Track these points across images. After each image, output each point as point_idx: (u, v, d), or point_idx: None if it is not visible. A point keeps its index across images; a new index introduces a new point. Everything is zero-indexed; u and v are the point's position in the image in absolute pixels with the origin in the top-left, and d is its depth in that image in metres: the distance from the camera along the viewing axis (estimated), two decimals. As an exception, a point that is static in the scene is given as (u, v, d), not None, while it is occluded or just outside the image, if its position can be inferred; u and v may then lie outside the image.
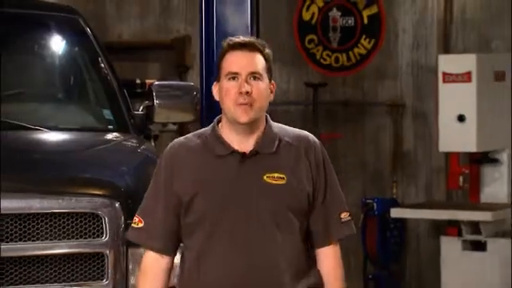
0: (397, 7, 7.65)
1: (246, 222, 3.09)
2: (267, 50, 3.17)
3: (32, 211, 3.82)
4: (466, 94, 6.72)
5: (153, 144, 5.00)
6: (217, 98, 3.17)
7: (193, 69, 7.84)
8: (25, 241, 3.80)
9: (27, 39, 5.30)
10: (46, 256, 3.82)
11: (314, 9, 7.93)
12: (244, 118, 3.08)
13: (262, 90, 3.12)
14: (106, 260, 3.86)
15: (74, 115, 4.99)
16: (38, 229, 3.81)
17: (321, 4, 7.92)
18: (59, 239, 3.83)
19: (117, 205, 3.91)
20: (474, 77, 6.71)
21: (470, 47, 7.40)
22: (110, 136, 4.83)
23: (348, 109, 7.93)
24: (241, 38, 3.17)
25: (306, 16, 7.96)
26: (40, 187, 3.95)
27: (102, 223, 3.87)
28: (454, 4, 7.54)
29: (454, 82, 6.76)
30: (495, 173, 6.91)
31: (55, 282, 3.84)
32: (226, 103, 3.10)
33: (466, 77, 6.72)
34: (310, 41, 7.94)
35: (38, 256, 3.81)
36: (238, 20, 5.07)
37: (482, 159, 6.88)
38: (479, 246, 6.56)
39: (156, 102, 4.83)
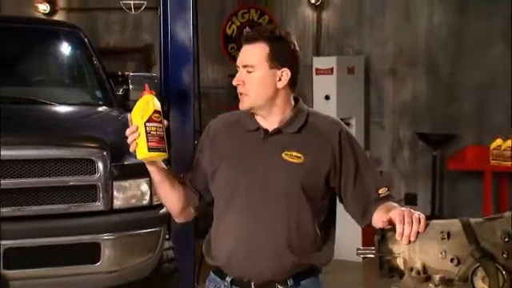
0: (287, 27, 7.61)
1: (260, 195, 2.25)
2: (275, 37, 2.27)
3: (48, 157, 3.74)
4: (329, 82, 6.72)
5: (129, 115, 4.91)
6: None
7: (155, 65, 7.72)
8: (44, 177, 3.71)
9: (46, 45, 5.21)
10: (58, 187, 3.75)
11: (234, 27, 7.88)
12: (241, 106, 2.29)
13: (254, 80, 2.25)
14: (97, 189, 3.78)
15: (77, 95, 4.90)
16: (52, 169, 3.73)
17: (238, 24, 7.86)
18: (67, 176, 3.75)
19: (105, 153, 3.81)
20: (334, 71, 6.72)
21: (331, 52, 7.44)
22: (100, 109, 4.74)
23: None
24: (248, 32, 2.33)
25: (229, 31, 7.90)
26: (54, 141, 3.85)
27: (95, 165, 3.78)
28: (322, 26, 7.58)
29: (322, 74, 6.76)
30: (348, 132, 7.04)
31: (64, 203, 3.77)
32: None
33: (329, 71, 6.73)
34: (232, 48, 7.88)
35: (52, 187, 3.74)
36: (184, 33, 4.99)
37: (339, 124, 6.99)
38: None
39: (131, 86, 4.77)
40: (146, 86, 2.39)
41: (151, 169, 2.30)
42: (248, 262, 2.27)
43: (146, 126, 2.19)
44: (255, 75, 2.26)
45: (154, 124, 2.20)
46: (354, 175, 2.30)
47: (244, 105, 2.29)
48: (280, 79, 2.29)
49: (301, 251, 2.28)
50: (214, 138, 2.38)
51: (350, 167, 2.30)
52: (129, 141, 2.22)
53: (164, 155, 2.23)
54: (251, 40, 2.27)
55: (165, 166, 2.34)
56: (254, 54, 2.26)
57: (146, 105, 2.23)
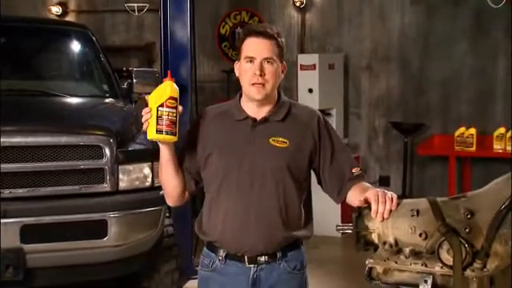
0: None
1: (250, 177, 2.23)
2: (280, 38, 2.28)
3: (60, 143, 3.69)
4: (312, 77, 6.68)
5: (133, 106, 4.84)
6: (237, 74, 2.31)
7: (157, 61, 7.65)
8: (56, 161, 3.67)
9: (58, 43, 5.14)
10: (69, 170, 3.70)
11: (227, 27, 7.83)
12: (258, 96, 2.24)
13: (274, 72, 2.24)
14: (105, 172, 3.75)
15: (86, 88, 4.83)
16: (64, 154, 3.69)
17: (231, 24, 7.81)
18: (77, 160, 3.71)
19: (111, 140, 3.77)
20: (317, 67, 6.67)
21: (314, 50, 7.40)
22: (107, 100, 4.67)
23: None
24: (259, 27, 2.28)
25: (223, 31, 7.85)
26: (66, 129, 3.81)
27: (102, 151, 3.74)
28: (306, 27, 7.52)
29: (306, 69, 6.72)
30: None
31: (76, 184, 3.73)
32: (243, 81, 2.27)
33: (312, 67, 6.68)
34: (225, 46, 7.84)
35: (64, 170, 3.70)
36: (182, 32, 4.97)
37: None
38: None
39: (134, 80, 4.68)
40: (169, 72, 2.32)
41: (162, 148, 2.27)
42: (241, 237, 2.25)
43: (157, 110, 2.16)
44: (274, 67, 2.25)
45: (167, 109, 2.15)
46: (331, 156, 2.31)
47: (261, 94, 2.25)
48: (282, 72, 2.32)
49: (289, 226, 2.27)
50: (204, 129, 2.33)
51: (327, 149, 2.31)
52: (142, 120, 2.21)
53: (171, 138, 2.18)
54: (268, 36, 2.25)
55: (174, 151, 2.29)
56: (272, 49, 2.25)
57: (164, 90, 2.17)
